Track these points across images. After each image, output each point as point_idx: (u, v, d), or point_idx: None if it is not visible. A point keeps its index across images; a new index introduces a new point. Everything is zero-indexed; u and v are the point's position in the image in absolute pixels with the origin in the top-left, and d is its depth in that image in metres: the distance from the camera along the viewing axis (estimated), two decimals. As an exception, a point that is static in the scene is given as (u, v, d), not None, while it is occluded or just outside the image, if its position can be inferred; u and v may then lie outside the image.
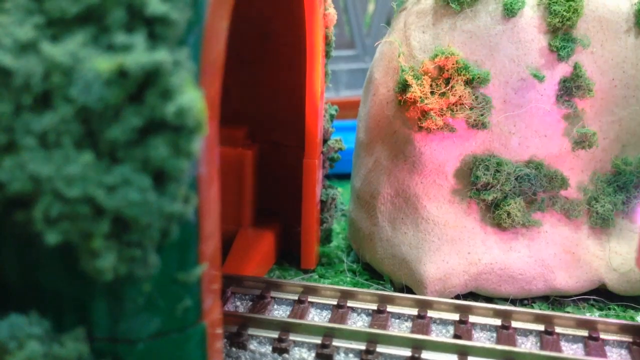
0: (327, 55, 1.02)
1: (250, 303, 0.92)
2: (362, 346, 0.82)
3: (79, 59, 0.49)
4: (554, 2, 0.92)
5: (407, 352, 0.81)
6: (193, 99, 0.51)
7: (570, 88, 0.94)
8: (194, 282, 0.58)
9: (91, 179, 0.50)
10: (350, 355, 0.82)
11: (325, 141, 1.05)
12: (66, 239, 0.50)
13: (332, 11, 0.99)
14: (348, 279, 1.05)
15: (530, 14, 0.93)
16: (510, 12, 0.93)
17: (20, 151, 0.49)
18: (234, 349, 0.83)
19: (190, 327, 0.59)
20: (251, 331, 0.85)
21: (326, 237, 1.09)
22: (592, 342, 0.84)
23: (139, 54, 0.49)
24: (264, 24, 1.02)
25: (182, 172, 0.52)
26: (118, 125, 0.50)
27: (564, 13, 0.91)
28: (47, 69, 0.49)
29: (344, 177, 1.28)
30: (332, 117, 1.07)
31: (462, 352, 0.81)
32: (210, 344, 0.61)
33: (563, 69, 0.94)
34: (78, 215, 0.50)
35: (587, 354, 0.83)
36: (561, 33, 0.93)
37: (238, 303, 0.93)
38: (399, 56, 0.98)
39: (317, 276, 1.05)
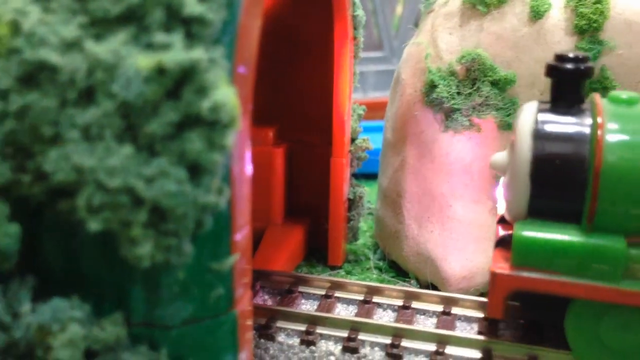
0: (355, 56, 1.04)
1: (279, 297, 0.94)
2: (387, 340, 0.84)
3: (121, 57, 0.52)
4: (580, 5, 0.93)
5: (432, 347, 0.83)
6: (227, 95, 0.53)
7: (597, 90, 0.94)
8: (226, 272, 0.60)
9: (131, 170, 0.52)
10: (376, 348, 0.84)
11: (353, 140, 1.07)
12: (107, 227, 0.53)
13: (360, 13, 1.01)
14: (374, 276, 1.07)
15: (557, 16, 0.94)
16: (537, 14, 0.94)
17: (65, 143, 0.52)
18: (262, 341, 0.85)
19: (222, 315, 0.62)
20: (279, 324, 0.87)
21: (353, 235, 1.11)
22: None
23: (177, 52, 0.52)
24: (294, 25, 1.05)
25: (215, 165, 0.54)
26: (156, 120, 0.53)
27: (591, 15, 0.92)
28: (91, 66, 0.52)
29: (371, 176, 1.30)
30: (359, 116, 1.09)
31: (486, 348, 0.82)
32: (240, 332, 0.64)
33: (589, 71, 0.94)
34: (118, 205, 0.52)
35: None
36: (588, 35, 0.94)
37: (266, 297, 0.95)
38: (426, 57, 0.99)
39: (344, 273, 1.08)
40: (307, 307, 0.92)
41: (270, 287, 0.96)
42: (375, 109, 1.39)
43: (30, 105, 0.52)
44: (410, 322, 0.88)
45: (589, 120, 0.74)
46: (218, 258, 0.60)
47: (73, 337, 0.55)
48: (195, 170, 0.54)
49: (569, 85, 0.76)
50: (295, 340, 0.86)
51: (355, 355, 0.83)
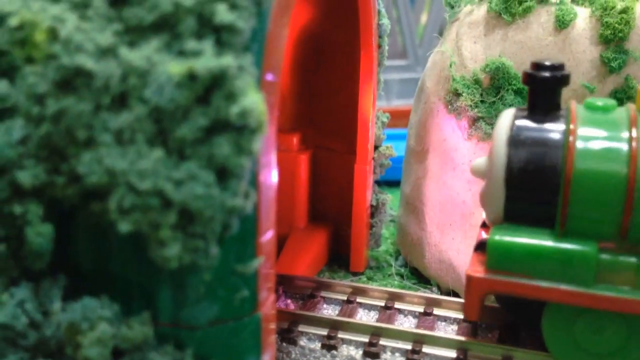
0: (379, 64, 1.05)
1: (301, 301, 0.95)
2: (408, 346, 0.85)
3: (154, 63, 0.53)
4: (606, 15, 0.93)
5: (453, 354, 0.83)
6: (255, 101, 0.55)
7: (622, 100, 0.94)
8: (251, 274, 0.62)
9: (161, 173, 0.54)
10: (397, 354, 0.85)
11: (376, 147, 1.08)
12: (137, 228, 0.55)
13: (385, 22, 1.02)
14: (396, 282, 1.07)
15: (582, 26, 0.95)
16: (562, 23, 0.95)
17: (98, 147, 0.54)
18: (284, 344, 0.86)
19: (246, 317, 0.63)
20: (301, 328, 0.88)
21: (375, 242, 1.12)
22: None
23: (208, 59, 0.53)
24: (319, 33, 1.06)
25: (243, 169, 0.56)
26: (186, 125, 0.54)
27: (616, 25, 0.92)
28: (125, 71, 0.53)
29: (394, 184, 1.31)
30: (383, 124, 1.10)
31: (507, 356, 0.82)
32: (264, 334, 0.65)
33: (614, 81, 0.94)
34: (148, 207, 0.54)
35: None
36: (613, 45, 0.94)
37: (289, 301, 0.96)
38: (450, 66, 1.00)
39: (365, 279, 1.08)
40: (329, 311, 0.93)
41: (293, 292, 0.97)
42: (398, 117, 1.39)
43: (66, 109, 0.53)
44: (431, 328, 0.88)
45: (562, 127, 0.76)
46: (243, 261, 0.61)
47: (102, 335, 0.57)
48: (223, 174, 0.56)
49: (546, 92, 0.78)
50: (317, 345, 0.86)
51: (376, 360, 0.84)
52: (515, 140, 0.76)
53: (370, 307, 0.94)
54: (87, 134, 0.54)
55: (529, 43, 0.96)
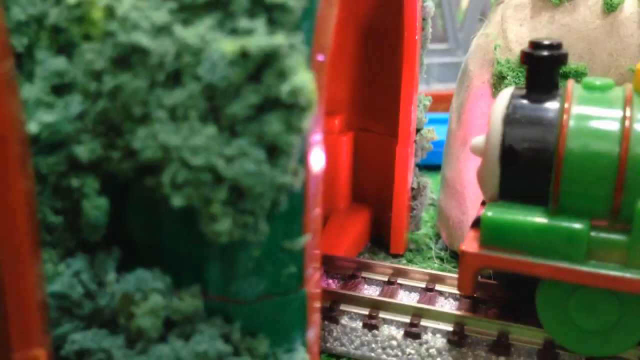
0: (422, 46, 1.05)
1: (342, 281, 0.96)
2: (449, 327, 0.85)
3: (207, 41, 0.54)
4: (655, -3, 0.92)
5: (494, 335, 0.84)
6: (305, 80, 0.55)
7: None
8: (298, 251, 0.63)
9: (213, 149, 0.55)
10: (438, 335, 0.85)
11: (418, 130, 1.08)
12: (189, 203, 0.56)
13: (430, 4, 1.02)
14: (435, 265, 1.08)
15: (630, 10, 0.93)
16: (610, 7, 0.93)
17: (153, 123, 0.55)
18: (326, 322, 0.87)
19: (293, 293, 0.64)
20: (343, 307, 0.89)
21: (415, 224, 1.12)
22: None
23: (260, 38, 0.54)
24: (363, 14, 1.06)
25: (292, 147, 0.57)
26: (238, 102, 0.55)
27: (666, 8, 0.91)
28: (179, 49, 0.54)
29: (434, 168, 1.30)
30: (425, 107, 1.10)
31: (547, 338, 0.82)
32: (309, 310, 0.66)
33: (663, 64, 0.93)
34: (200, 182, 0.55)
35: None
36: (662, 28, 0.92)
37: (330, 281, 0.97)
38: (495, 49, 1.00)
39: (405, 261, 1.09)
40: (370, 292, 0.94)
41: (334, 272, 0.98)
42: (438, 101, 1.39)
43: (122, 86, 0.55)
44: (472, 310, 0.89)
45: (558, 106, 0.76)
46: (291, 237, 0.62)
47: (154, 306, 0.59)
48: (273, 152, 0.57)
49: (543, 71, 0.78)
50: (358, 324, 0.87)
51: (417, 341, 0.85)
52: (511, 118, 0.77)
53: (411, 289, 0.95)
54: (143, 110, 0.55)
55: (575, 26, 0.95)
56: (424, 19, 1.02)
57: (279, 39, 0.54)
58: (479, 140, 0.83)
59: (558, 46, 0.78)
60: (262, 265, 0.62)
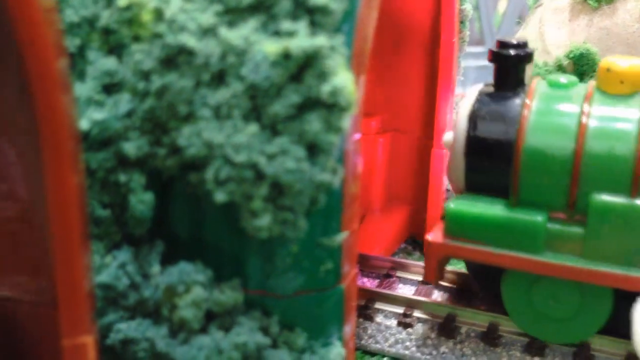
0: (459, 48, 1.05)
1: (377, 280, 0.97)
2: (483, 327, 0.86)
3: (251, 43, 0.56)
4: (695, 0, 0.91)
5: (529, 335, 0.84)
6: (346, 80, 0.57)
7: None
8: (335, 248, 0.64)
9: (255, 147, 0.57)
10: (472, 334, 0.86)
11: (454, 132, 1.09)
12: (231, 199, 0.58)
13: (468, 6, 1.03)
14: (470, 266, 1.08)
15: (671, 12, 0.93)
16: (650, 9, 0.93)
17: (198, 121, 0.57)
18: (361, 320, 0.88)
19: (330, 289, 0.65)
20: (378, 305, 0.90)
21: (450, 226, 1.13)
22: None
23: (302, 39, 0.56)
24: (402, 16, 1.07)
25: (332, 146, 0.58)
26: (280, 102, 0.57)
27: None
28: (224, 50, 0.56)
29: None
30: (462, 109, 1.10)
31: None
32: (346, 306, 0.67)
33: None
34: (242, 179, 0.57)
35: None
36: (703, 31, 0.92)
37: (365, 279, 0.98)
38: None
39: (439, 262, 1.09)
40: (405, 291, 0.95)
41: (369, 271, 1.00)
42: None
43: (169, 85, 0.57)
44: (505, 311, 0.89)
45: (520, 102, 0.79)
46: (329, 234, 0.63)
47: (196, 298, 0.61)
48: (313, 150, 0.58)
49: (509, 69, 0.81)
50: (393, 322, 0.89)
51: (451, 340, 0.86)
52: (476, 114, 0.80)
53: (445, 289, 0.96)
54: (188, 108, 0.57)
55: (614, 29, 0.95)
56: (461, 22, 1.03)
57: (320, 41, 0.56)
58: (448, 135, 0.86)
59: (524, 45, 0.81)
60: (300, 261, 0.63)
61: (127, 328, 0.62)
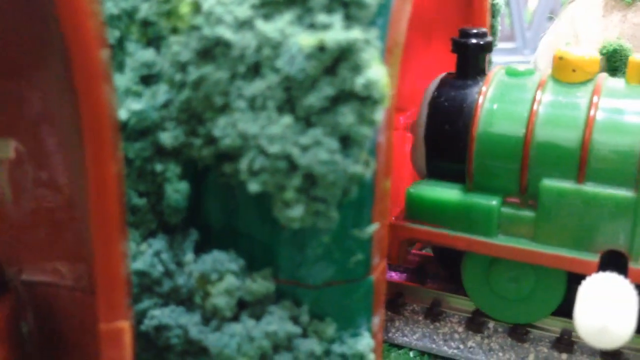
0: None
1: (405, 274, 0.98)
2: (512, 323, 0.86)
3: (286, 35, 0.57)
4: None
5: (557, 331, 0.84)
6: (379, 73, 0.57)
7: None
8: (366, 239, 0.65)
9: (289, 138, 0.57)
10: (500, 329, 0.86)
11: (484, 128, 1.09)
12: (264, 189, 0.59)
13: (499, 1, 1.02)
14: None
15: None
16: (685, 5, 0.92)
17: (233, 112, 0.58)
18: (389, 313, 0.89)
19: (360, 280, 0.66)
20: (406, 299, 0.91)
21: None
22: None
23: (336, 32, 0.56)
24: (431, 10, 1.07)
25: (365, 138, 0.59)
26: (314, 94, 0.57)
27: None
28: (260, 43, 0.57)
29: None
30: (492, 105, 1.10)
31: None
32: (375, 298, 0.68)
33: None
34: (276, 169, 0.58)
35: None
36: None
37: (393, 273, 0.99)
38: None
39: (467, 257, 1.09)
40: (433, 285, 0.95)
41: (398, 264, 1.00)
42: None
43: (206, 76, 0.58)
44: (534, 307, 0.89)
45: (477, 89, 0.82)
46: (360, 226, 0.64)
47: (229, 286, 0.62)
48: (346, 142, 0.59)
49: (469, 58, 0.85)
50: (421, 316, 0.89)
51: (479, 335, 0.86)
52: (436, 101, 0.84)
53: (473, 284, 0.96)
54: (223, 100, 0.58)
55: (649, 25, 0.94)
56: (493, 17, 1.02)
57: (355, 34, 0.56)
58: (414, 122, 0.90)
59: (483, 34, 0.85)
60: (331, 251, 0.64)
61: (161, 314, 0.63)
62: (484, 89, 0.80)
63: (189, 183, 0.63)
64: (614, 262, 0.76)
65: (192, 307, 0.63)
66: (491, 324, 0.86)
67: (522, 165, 0.77)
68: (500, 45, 1.69)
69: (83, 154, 0.51)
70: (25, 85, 0.55)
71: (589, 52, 0.79)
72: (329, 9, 0.58)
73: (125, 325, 0.55)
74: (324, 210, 0.60)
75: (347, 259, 0.65)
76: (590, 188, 0.75)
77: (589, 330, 0.69)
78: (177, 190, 0.62)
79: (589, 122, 0.75)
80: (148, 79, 0.61)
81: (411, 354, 0.87)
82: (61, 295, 0.61)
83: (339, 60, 0.57)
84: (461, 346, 0.85)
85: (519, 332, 0.84)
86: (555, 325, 0.84)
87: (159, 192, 0.63)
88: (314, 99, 0.58)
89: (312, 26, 0.58)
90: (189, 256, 0.63)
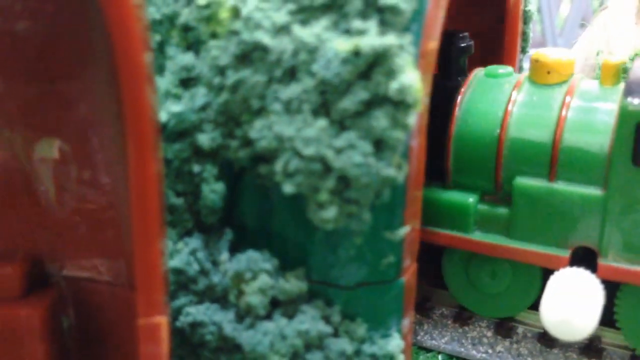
0: (522, 50, 1.05)
1: (435, 278, 0.98)
2: (541, 329, 0.86)
3: (322, 40, 0.58)
4: None
5: (586, 338, 0.84)
6: (413, 78, 0.58)
7: None
8: (397, 241, 0.65)
9: (324, 141, 0.59)
10: (529, 335, 0.86)
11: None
12: (299, 190, 0.60)
13: (532, 8, 1.03)
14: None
15: None
16: None
17: (269, 115, 0.60)
18: (418, 316, 0.90)
19: (391, 281, 0.67)
20: (435, 302, 0.91)
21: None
22: None
23: (372, 38, 0.58)
24: (463, 16, 1.07)
25: (398, 142, 0.60)
26: (348, 98, 0.59)
27: None
28: (296, 47, 0.59)
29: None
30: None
31: (643, 345, 0.82)
32: (406, 299, 0.69)
33: None
34: (311, 171, 0.59)
35: None
36: None
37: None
38: (597, 54, 0.99)
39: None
40: (461, 290, 0.96)
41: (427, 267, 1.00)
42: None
43: (243, 80, 0.60)
44: (564, 313, 0.89)
45: (457, 90, 0.84)
46: (391, 228, 0.65)
47: (263, 285, 0.63)
48: (379, 146, 0.60)
49: (451, 60, 0.87)
50: (449, 319, 0.90)
51: (507, 340, 0.86)
52: None
53: (502, 289, 0.96)
54: (260, 103, 0.60)
55: (683, 32, 0.94)
56: (525, 23, 1.03)
57: (390, 40, 0.58)
58: None
59: (464, 38, 0.87)
60: (363, 253, 0.65)
61: (196, 312, 0.65)
62: (463, 89, 0.83)
63: (225, 184, 0.64)
64: (584, 258, 0.78)
65: (227, 305, 0.65)
66: (520, 330, 0.87)
67: (497, 164, 0.80)
68: (531, 51, 1.69)
69: (125, 154, 0.53)
70: (74, 87, 0.57)
71: (564, 54, 0.82)
72: (364, 15, 0.59)
73: (162, 321, 0.57)
74: (357, 212, 0.62)
75: (379, 260, 0.66)
76: (561, 186, 0.77)
77: (551, 322, 0.71)
78: (213, 190, 0.64)
79: (560, 122, 0.78)
80: (187, 82, 0.63)
81: (440, 357, 0.87)
82: (100, 291, 0.63)
83: (373, 65, 0.58)
84: (490, 351, 0.86)
85: (547, 338, 0.84)
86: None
87: (196, 192, 0.64)
88: (348, 103, 0.59)
89: (348, 32, 0.59)
90: (224, 255, 0.65)
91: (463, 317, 0.89)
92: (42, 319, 0.61)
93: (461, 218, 0.83)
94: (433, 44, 0.65)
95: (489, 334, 0.87)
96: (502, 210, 0.82)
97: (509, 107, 0.80)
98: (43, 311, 0.61)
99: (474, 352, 0.86)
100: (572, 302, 0.71)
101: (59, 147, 0.60)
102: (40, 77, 0.58)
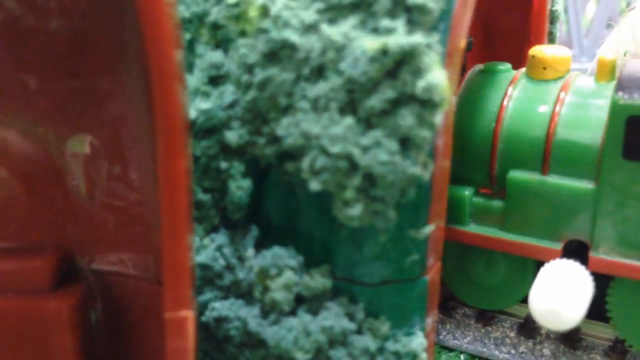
0: (549, 51, 1.05)
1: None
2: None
3: (350, 39, 0.59)
4: None
5: (611, 339, 0.83)
6: (440, 77, 0.58)
7: None
8: (422, 240, 0.66)
9: (350, 139, 0.59)
10: (552, 335, 0.86)
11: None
12: (325, 188, 0.60)
13: (559, 8, 1.02)
14: (551, 269, 1.07)
15: None
16: None
17: (296, 112, 0.60)
18: (440, 315, 0.90)
19: (415, 280, 0.67)
20: (457, 302, 0.91)
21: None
22: None
23: (399, 37, 0.58)
24: (490, 15, 1.07)
25: (424, 141, 0.60)
26: (375, 96, 0.59)
27: None
28: (324, 46, 0.59)
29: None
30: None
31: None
32: (430, 298, 0.69)
33: None
34: (337, 169, 0.59)
35: None
36: None
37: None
38: (624, 55, 0.98)
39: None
40: (484, 290, 0.96)
41: (449, 268, 1.01)
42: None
43: (271, 78, 0.60)
44: (587, 314, 0.88)
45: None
46: (416, 226, 0.65)
47: (288, 282, 0.64)
48: (406, 144, 0.60)
49: None
50: (472, 319, 0.89)
51: (530, 340, 0.86)
52: None
53: (526, 290, 0.96)
54: (288, 100, 0.60)
55: None
56: (551, 23, 1.02)
57: (417, 38, 0.58)
58: None
59: None
60: (387, 251, 0.65)
61: (221, 307, 0.66)
62: (460, 85, 0.85)
63: (252, 180, 0.65)
64: (576, 251, 0.78)
65: (252, 300, 0.66)
66: (543, 330, 0.86)
67: (492, 158, 0.82)
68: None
69: (155, 150, 0.54)
70: (106, 84, 0.58)
71: (560, 51, 0.83)
72: (392, 14, 0.59)
73: (189, 315, 0.57)
74: (382, 210, 0.62)
75: (403, 258, 0.66)
76: (553, 180, 0.78)
77: (539, 311, 0.72)
78: (240, 187, 0.64)
79: (553, 117, 0.78)
80: (216, 80, 0.64)
81: (462, 357, 0.87)
82: (128, 285, 0.64)
83: (401, 63, 0.58)
84: (512, 351, 0.86)
85: (571, 339, 0.84)
86: (607, 334, 0.84)
87: (222, 188, 0.65)
88: (375, 101, 0.59)
89: (376, 30, 0.59)
90: (250, 251, 0.66)
91: (486, 317, 0.88)
92: (71, 312, 0.62)
93: (456, 211, 0.84)
94: (460, 43, 0.65)
95: (512, 334, 0.87)
96: (497, 204, 0.83)
97: (504, 102, 0.82)
98: (72, 304, 0.62)
99: (496, 352, 0.86)
100: (560, 293, 0.72)
101: (91, 142, 0.61)
102: (73, 74, 0.59)
